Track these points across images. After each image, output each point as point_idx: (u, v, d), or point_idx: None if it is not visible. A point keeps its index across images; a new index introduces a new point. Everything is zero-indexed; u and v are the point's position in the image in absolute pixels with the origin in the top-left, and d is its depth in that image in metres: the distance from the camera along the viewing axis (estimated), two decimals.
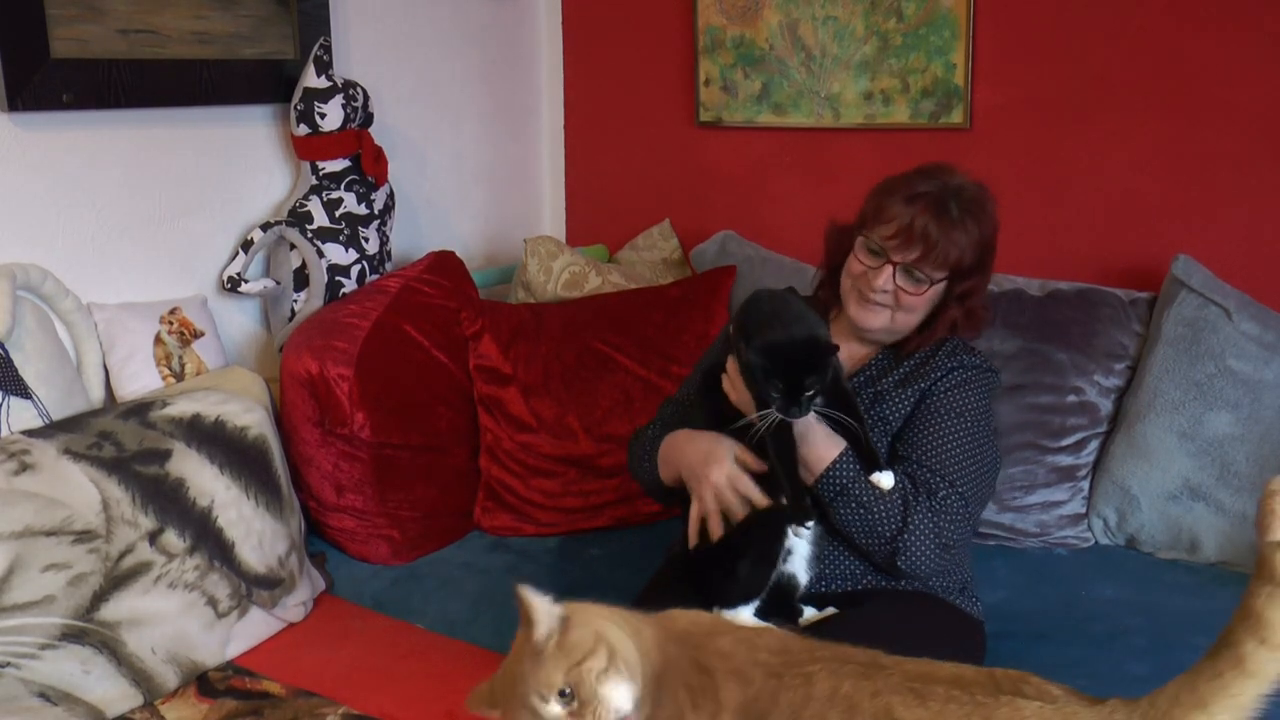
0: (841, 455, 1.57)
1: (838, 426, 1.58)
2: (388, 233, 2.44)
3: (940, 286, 1.67)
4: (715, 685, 1.11)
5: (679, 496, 1.70)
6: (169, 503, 1.80)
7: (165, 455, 1.83)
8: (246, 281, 2.25)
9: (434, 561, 2.19)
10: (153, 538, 1.76)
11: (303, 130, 2.26)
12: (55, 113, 1.94)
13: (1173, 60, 2.28)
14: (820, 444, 1.58)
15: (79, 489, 1.71)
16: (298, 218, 2.26)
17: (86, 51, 1.96)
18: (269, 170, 2.36)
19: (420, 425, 2.24)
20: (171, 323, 2.10)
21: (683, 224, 2.92)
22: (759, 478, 1.57)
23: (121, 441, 1.80)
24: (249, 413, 1.99)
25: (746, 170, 2.82)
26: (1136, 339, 2.24)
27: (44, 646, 1.61)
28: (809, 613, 1.58)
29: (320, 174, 2.30)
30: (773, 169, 2.78)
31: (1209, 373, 2.10)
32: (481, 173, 2.92)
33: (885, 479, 1.57)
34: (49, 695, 1.61)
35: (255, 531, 1.91)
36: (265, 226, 2.25)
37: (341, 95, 2.26)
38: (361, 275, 2.34)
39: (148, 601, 1.74)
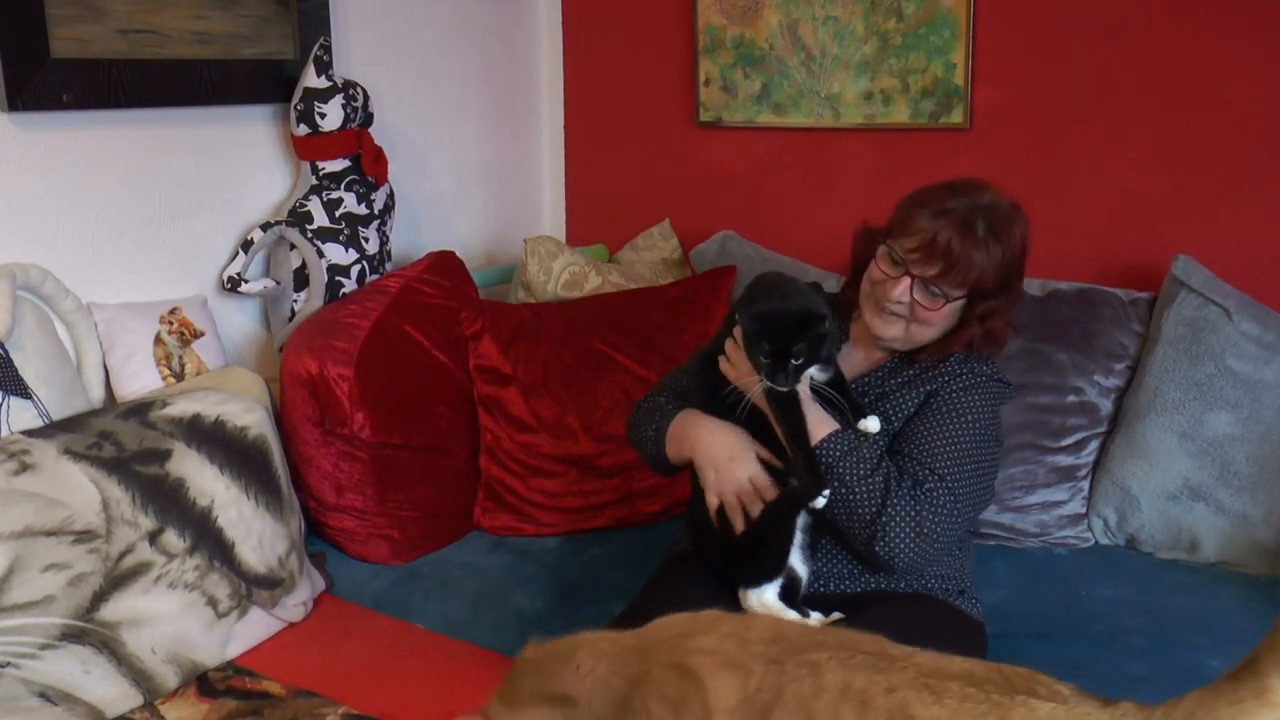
0: (833, 433, 1.59)
1: (829, 409, 1.60)
2: (388, 233, 2.44)
3: (958, 304, 1.65)
4: (701, 687, 1.08)
5: (677, 472, 1.76)
6: (169, 503, 1.80)
7: (165, 455, 1.83)
8: (246, 281, 2.25)
9: (434, 561, 2.19)
10: (153, 538, 1.76)
11: (303, 130, 2.26)
12: (55, 113, 1.94)
13: (1173, 60, 2.28)
14: (811, 420, 1.60)
15: (79, 489, 1.71)
16: (298, 218, 2.26)
17: (86, 51, 1.96)
18: (269, 170, 2.36)
19: (420, 425, 2.24)
20: (171, 323, 2.10)
21: (683, 224, 2.92)
22: (768, 467, 1.62)
23: (121, 441, 1.80)
24: (249, 413, 1.99)
25: (746, 170, 2.82)
26: (1136, 339, 2.24)
27: (44, 646, 1.61)
28: (815, 617, 1.58)
29: (320, 174, 2.30)
30: (773, 169, 2.78)
31: (1209, 373, 2.10)
32: (481, 173, 2.92)
33: (871, 423, 1.61)
34: (49, 695, 1.61)
35: (255, 531, 1.91)
36: (265, 226, 2.25)
37: (341, 95, 2.26)
38: (361, 275, 2.34)
39: (148, 601, 1.74)
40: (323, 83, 2.24)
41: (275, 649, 1.91)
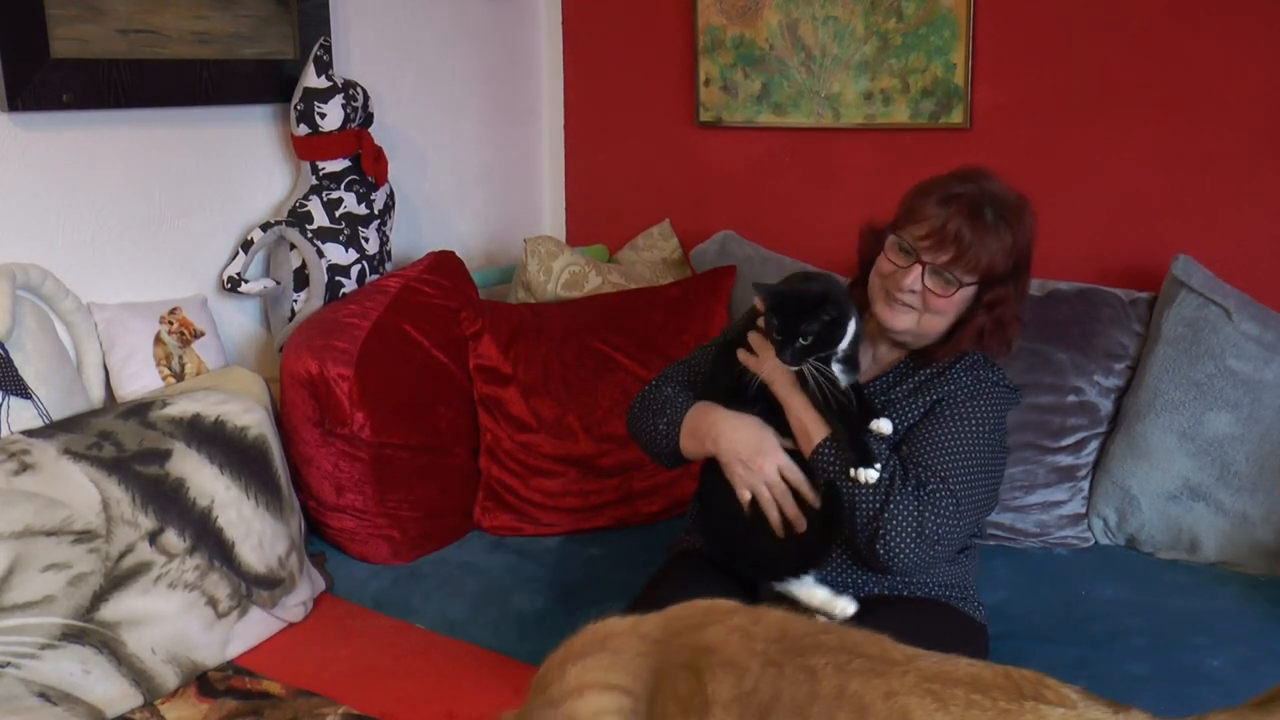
0: (832, 434, 1.60)
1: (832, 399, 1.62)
2: (388, 233, 2.44)
3: (969, 291, 1.64)
4: (702, 682, 1.09)
5: (683, 464, 1.76)
6: (169, 503, 1.80)
7: (165, 455, 1.83)
8: (246, 281, 2.25)
9: (434, 561, 2.19)
10: (153, 538, 1.76)
11: (303, 130, 2.26)
12: (55, 113, 1.94)
13: (1173, 60, 2.28)
14: (809, 419, 1.61)
15: (79, 489, 1.71)
16: (298, 218, 2.26)
17: (86, 51, 1.96)
18: (269, 170, 2.36)
19: (420, 425, 2.24)
20: (171, 323, 2.10)
21: (683, 224, 2.92)
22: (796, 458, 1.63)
23: (121, 441, 1.80)
24: (249, 413, 1.99)
25: (746, 170, 2.82)
26: (1136, 339, 2.24)
27: (44, 646, 1.61)
28: (843, 601, 1.60)
29: (320, 174, 2.30)
30: (773, 169, 2.78)
31: (1209, 373, 2.10)
32: (481, 173, 2.92)
33: (883, 424, 1.61)
34: (49, 695, 1.61)
35: (255, 531, 1.91)
36: (265, 226, 2.25)
37: (341, 95, 2.26)
38: (361, 275, 2.34)
39: (148, 601, 1.74)
40: (323, 83, 2.24)
41: (275, 649, 1.91)
